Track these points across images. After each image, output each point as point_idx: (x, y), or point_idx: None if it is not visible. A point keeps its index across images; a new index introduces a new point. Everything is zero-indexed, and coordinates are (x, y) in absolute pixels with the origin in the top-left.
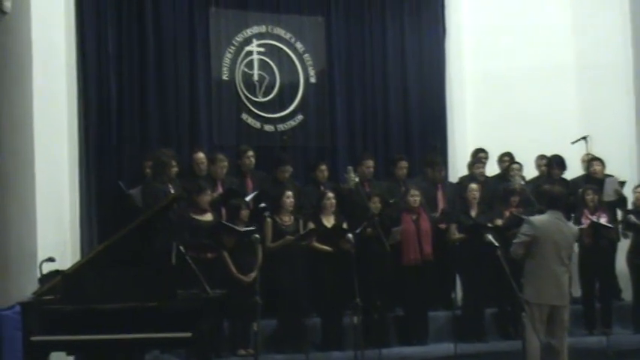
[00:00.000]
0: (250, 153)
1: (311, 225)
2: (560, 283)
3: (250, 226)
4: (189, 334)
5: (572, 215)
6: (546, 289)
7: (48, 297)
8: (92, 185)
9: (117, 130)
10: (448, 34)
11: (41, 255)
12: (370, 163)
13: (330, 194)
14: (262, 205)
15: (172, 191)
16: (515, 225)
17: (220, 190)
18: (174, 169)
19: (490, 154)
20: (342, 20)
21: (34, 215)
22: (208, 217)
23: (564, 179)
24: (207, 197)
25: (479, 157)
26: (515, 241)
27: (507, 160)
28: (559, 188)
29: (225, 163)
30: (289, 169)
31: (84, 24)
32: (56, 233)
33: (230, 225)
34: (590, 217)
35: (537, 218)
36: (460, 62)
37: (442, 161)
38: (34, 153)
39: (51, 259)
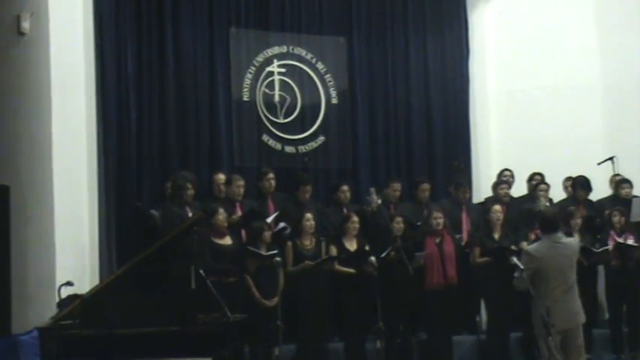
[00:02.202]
0: (271, 175)
1: (333, 250)
2: (568, 306)
3: (272, 248)
4: None
5: (598, 237)
6: (555, 314)
7: (66, 322)
8: (111, 208)
9: (136, 152)
10: (472, 53)
11: (59, 279)
12: (397, 186)
13: (355, 218)
14: (282, 224)
15: (190, 214)
16: None
17: (239, 211)
18: (191, 192)
19: (514, 175)
20: (364, 40)
21: (52, 238)
22: (228, 240)
23: (590, 200)
24: (220, 217)
25: (504, 177)
26: (516, 275)
27: (538, 179)
28: (551, 210)
29: (242, 183)
30: (310, 189)
31: (103, 45)
32: (75, 256)
33: (254, 250)
34: (616, 238)
35: (535, 248)
36: (484, 82)
37: (466, 182)
38: (52, 175)
39: (69, 283)
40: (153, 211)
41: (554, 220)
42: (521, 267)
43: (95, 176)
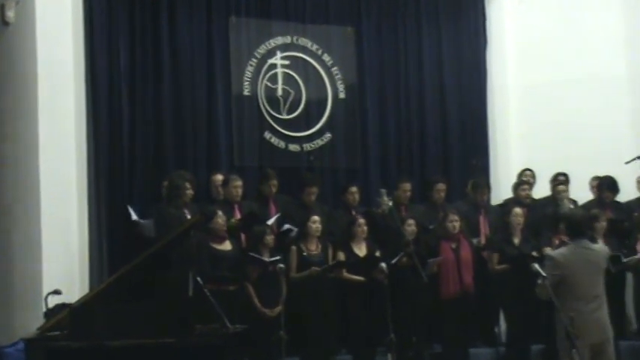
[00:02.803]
0: (274, 182)
1: (340, 255)
2: (596, 318)
3: (275, 253)
4: None
5: (626, 242)
6: (581, 327)
7: (54, 333)
8: (102, 211)
9: (129, 151)
10: (489, 43)
11: (47, 287)
12: (407, 186)
13: (361, 220)
14: (287, 226)
15: (188, 217)
16: None
17: (238, 214)
18: (189, 193)
19: (537, 175)
20: (374, 30)
21: (38, 244)
22: (227, 245)
23: (617, 202)
24: (219, 220)
25: (525, 177)
26: (538, 282)
27: (562, 180)
28: (580, 212)
29: (239, 183)
30: (316, 190)
31: (93, 36)
32: (63, 263)
33: (256, 256)
34: None
35: (561, 254)
36: (503, 74)
37: (484, 182)
38: (39, 176)
39: (57, 292)
40: (142, 220)
41: (582, 223)
42: (544, 274)
43: (85, 177)
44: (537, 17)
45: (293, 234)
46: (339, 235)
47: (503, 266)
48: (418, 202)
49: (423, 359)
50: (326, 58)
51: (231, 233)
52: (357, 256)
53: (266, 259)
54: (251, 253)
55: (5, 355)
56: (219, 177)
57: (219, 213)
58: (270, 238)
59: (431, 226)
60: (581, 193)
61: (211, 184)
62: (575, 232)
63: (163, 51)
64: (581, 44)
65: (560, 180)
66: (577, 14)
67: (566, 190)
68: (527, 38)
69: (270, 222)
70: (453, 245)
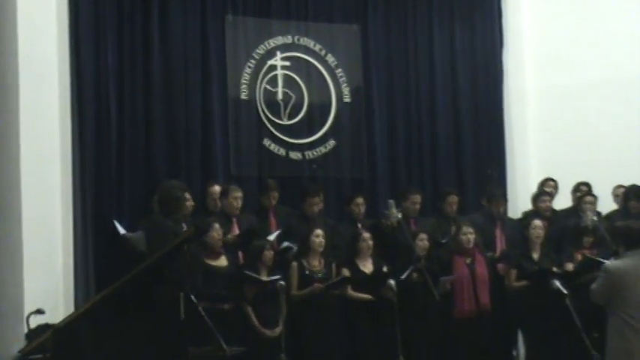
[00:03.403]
0: (275, 194)
1: (345, 271)
2: None
3: (275, 270)
4: None
5: None
6: (637, 352)
7: (36, 356)
8: (89, 224)
9: (117, 159)
10: (506, 44)
11: (28, 306)
12: (417, 198)
13: (366, 234)
14: (286, 244)
15: (184, 230)
16: (588, 270)
17: (236, 228)
18: (189, 204)
19: (558, 185)
20: (382, 28)
21: (19, 258)
22: (223, 261)
23: None
24: (215, 234)
25: (546, 188)
26: (593, 286)
27: (584, 190)
28: (638, 223)
29: (239, 195)
30: (318, 201)
31: (79, 34)
32: (46, 280)
33: (252, 275)
34: None
35: (615, 265)
36: (521, 76)
37: (501, 193)
38: (19, 185)
39: (40, 311)
40: (129, 234)
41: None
42: (565, 292)
43: (70, 187)
44: (558, 15)
45: (293, 252)
46: (343, 250)
47: (521, 283)
48: (429, 215)
49: None
50: (330, 58)
51: (228, 248)
52: (363, 272)
53: (264, 278)
54: (247, 272)
55: None
56: (217, 188)
57: (216, 226)
58: (269, 254)
59: (443, 240)
60: (604, 203)
61: (208, 196)
62: (631, 245)
63: (154, 51)
64: (605, 43)
65: (583, 190)
66: (601, 12)
67: (594, 202)
68: (548, 37)
69: (271, 237)
70: (468, 260)
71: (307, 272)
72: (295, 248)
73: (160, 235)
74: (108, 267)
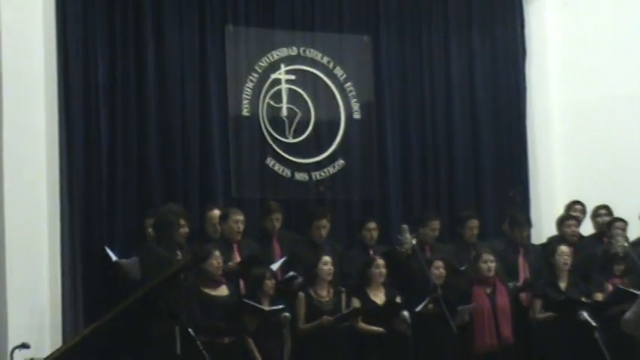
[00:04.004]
0: (278, 216)
1: (355, 302)
2: None
3: (277, 301)
4: None
5: None
6: None
7: None
8: (77, 252)
9: (109, 180)
10: (529, 54)
11: (13, 340)
12: (436, 224)
13: (380, 261)
14: (291, 273)
15: (180, 258)
16: (619, 301)
17: (237, 255)
18: (184, 231)
19: (586, 208)
20: (394, 39)
21: (2, 290)
22: (223, 291)
23: None
24: (214, 262)
25: (574, 212)
26: (627, 314)
27: (604, 214)
28: None
29: (241, 218)
30: (326, 224)
31: (67, 47)
32: (31, 313)
33: (252, 304)
34: None
35: None
36: (545, 91)
37: (524, 218)
38: (3, 211)
39: (25, 346)
40: (123, 260)
41: None
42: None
43: (57, 211)
44: (585, 23)
45: (298, 282)
46: (354, 279)
47: (547, 314)
48: (446, 240)
49: None
50: (338, 72)
51: (229, 277)
52: (374, 303)
53: (266, 307)
54: (246, 300)
55: None
56: (216, 212)
57: (215, 253)
58: (270, 284)
59: (462, 268)
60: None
61: (207, 221)
62: None
63: (148, 65)
64: (637, 55)
65: (602, 214)
66: (632, 20)
67: (624, 228)
68: (574, 48)
69: (274, 267)
70: (488, 290)
71: (315, 301)
72: (301, 279)
73: (153, 263)
74: (98, 297)
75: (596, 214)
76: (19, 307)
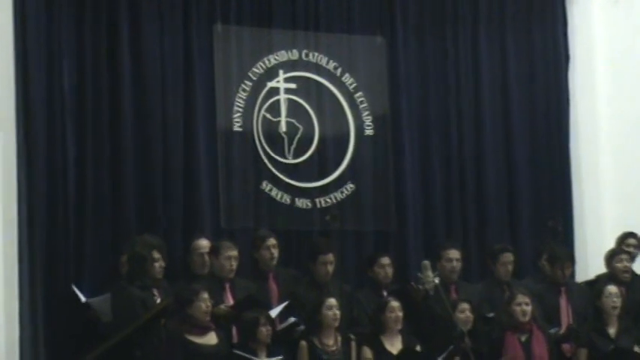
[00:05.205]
0: (272, 241)
1: (367, 352)
2: None
3: (275, 351)
4: None
5: None
6: None
7: None
8: (37, 290)
9: (76, 206)
10: (573, 59)
11: None
12: (455, 253)
13: (395, 304)
14: (292, 319)
15: (158, 299)
16: None
17: (230, 296)
18: (159, 265)
19: None
20: (413, 41)
21: None
22: (212, 338)
23: None
24: (202, 304)
25: (625, 245)
26: None
27: (634, 244)
28: None
29: (234, 253)
30: (332, 259)
31: (27, 52)
32: None
33: (247, 356)
34: None
35: None
36: (591, 101)
37: (566, 252)
38: None
39: None
40: (93, 300)
41: None
42: None
43: (15, 246)
44: (639, 23)
45: (300, 329)
46: (365, 325)
47: None
48: (475, 279)
49: None
50: (347, 79)
51: (219, 322)
52: (389, 353)
53: (261, 359)
54: (237, 351)
55: None
56: (204, 242)
57: (203, 295)
58: (265, 331)
59: (490, 314)
60: None
61: (192, 254)
62: None
63: (123, 72)
64: None
65: (632, 244)
66: None
67: None
68: (625, 52)
69: (273, 313)
70: (523, 338)
71: (319, 350)
72: (303, 325)
73: (125, 305)
74: (64, 344)
75: (621, 241)
76: None
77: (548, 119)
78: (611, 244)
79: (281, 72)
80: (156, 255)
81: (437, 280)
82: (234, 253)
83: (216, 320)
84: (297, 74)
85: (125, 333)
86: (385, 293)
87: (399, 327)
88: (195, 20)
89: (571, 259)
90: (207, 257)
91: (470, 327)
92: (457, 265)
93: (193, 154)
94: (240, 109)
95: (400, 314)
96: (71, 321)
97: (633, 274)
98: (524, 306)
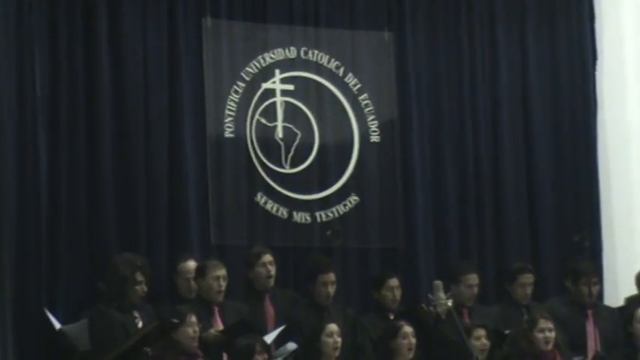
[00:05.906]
0: (268, 258)
1: None
2: None
3: None
4: None
5: None
6: None
7: None
8: (7, 316)
9: (48, 223)
10: (601, 58)
11: None
12: (474, 278)
13: (407, 329)
14: (293, 346)
15: (140, 323)
16: None
17: (219, 320)
18: (141, 287)
19: None
20: (424, 37)
21: None
22: None
23: None
24: (189, 330)
25: None
26: None
27: None
28: None
29: (223, 273)
30: (333, 279)
31: None
32: None
33: None
34: None
35: None
36: (620, 103)
37: (593, 270)
38: None
39: None
40: (66, 327)
41: None
42: None
43: None
44: None
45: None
46: (369, 354)
47: None
48: (492, 301)
49: None
50: (351, 80)
51: (208, 349)
52: None
53: None
54: None
55: None
56: (191, 265)
57: (190, 318)
58: (262, 359)
59: (506, 332)
60: None
61: (179, 276)
62: None
63: (102, 70)
64: None
65: None
66: None
67: None
68: None
69: (269, 338)
70: None
71: None
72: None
73: (104, 330)
74: None
75: None
76: None
77: (573, 124)
78: None
79: (277, 72)
80: (139, 278)
81: (450, 303)
82: (223, 272)
83: (204, 347)
84: (295, 74)
85: None
86: (392, 317)
87: (411, 356)
88: (182, 14)
89: (598, 278)
90: (192, 280)
91: (486, 355)
92: (475, 289)
93: (180, 163)
94: (232, 114)
95: (414, 341)
96: (44, 350)
97: None
98: (547, 332)
